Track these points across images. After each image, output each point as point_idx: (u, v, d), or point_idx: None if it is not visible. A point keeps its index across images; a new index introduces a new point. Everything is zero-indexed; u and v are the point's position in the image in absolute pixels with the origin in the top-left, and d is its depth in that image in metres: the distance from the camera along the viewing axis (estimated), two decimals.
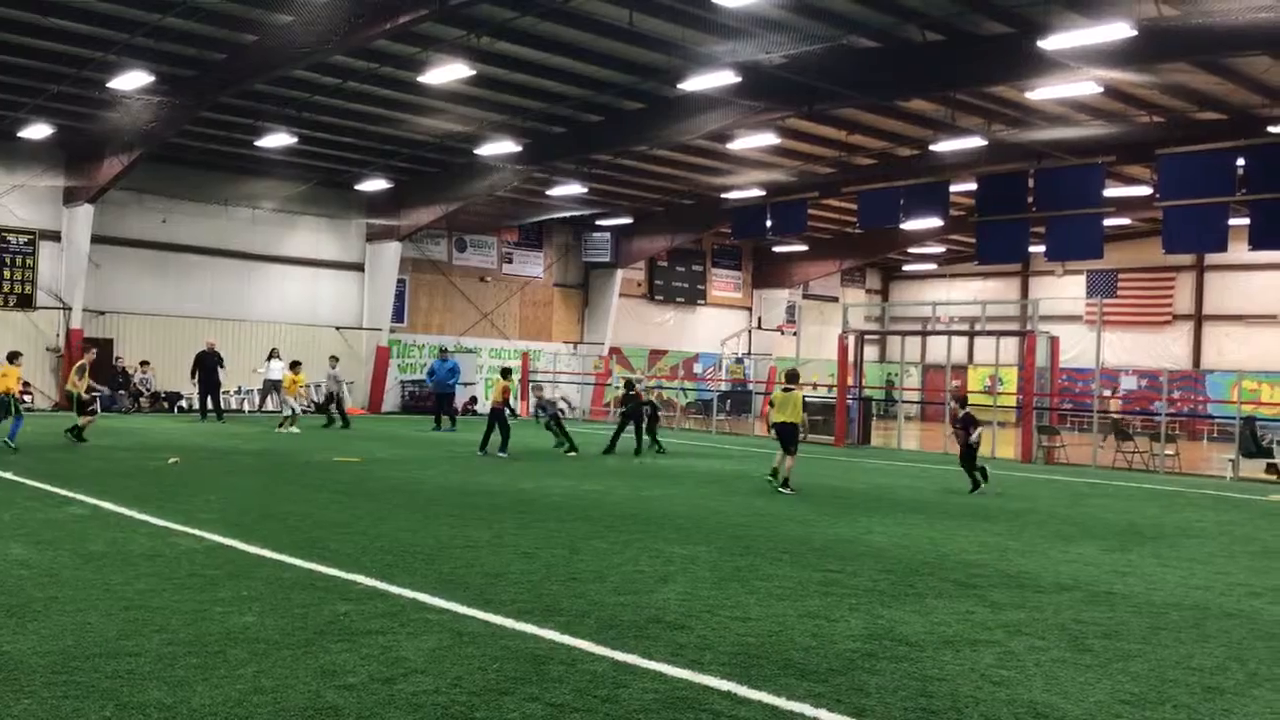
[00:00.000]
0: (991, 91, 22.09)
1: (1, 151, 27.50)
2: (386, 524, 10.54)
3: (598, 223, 37.58)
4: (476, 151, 27.25)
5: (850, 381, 27.63)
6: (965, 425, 15.97)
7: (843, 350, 27.75)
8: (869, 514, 12.81)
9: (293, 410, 24.80)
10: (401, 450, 19.79)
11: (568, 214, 35.57)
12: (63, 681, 5.04)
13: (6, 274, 28.33)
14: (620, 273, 39.15)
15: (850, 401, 27.31)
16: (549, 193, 32.13)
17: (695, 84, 20.20)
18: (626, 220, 37.01)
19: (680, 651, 6.10)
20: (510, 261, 38.14)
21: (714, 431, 30.73)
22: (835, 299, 46.34)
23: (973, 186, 27.43)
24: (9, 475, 13.10)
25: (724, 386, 40.20)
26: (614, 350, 38.73)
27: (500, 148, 26.48)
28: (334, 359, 28.37)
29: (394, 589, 7.41)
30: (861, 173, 29.64)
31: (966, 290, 45.26)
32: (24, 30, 20.31)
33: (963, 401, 17.20)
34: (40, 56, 21.82)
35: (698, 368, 41.21)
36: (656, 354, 40.13)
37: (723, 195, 33.02)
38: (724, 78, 19.51)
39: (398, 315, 34.81)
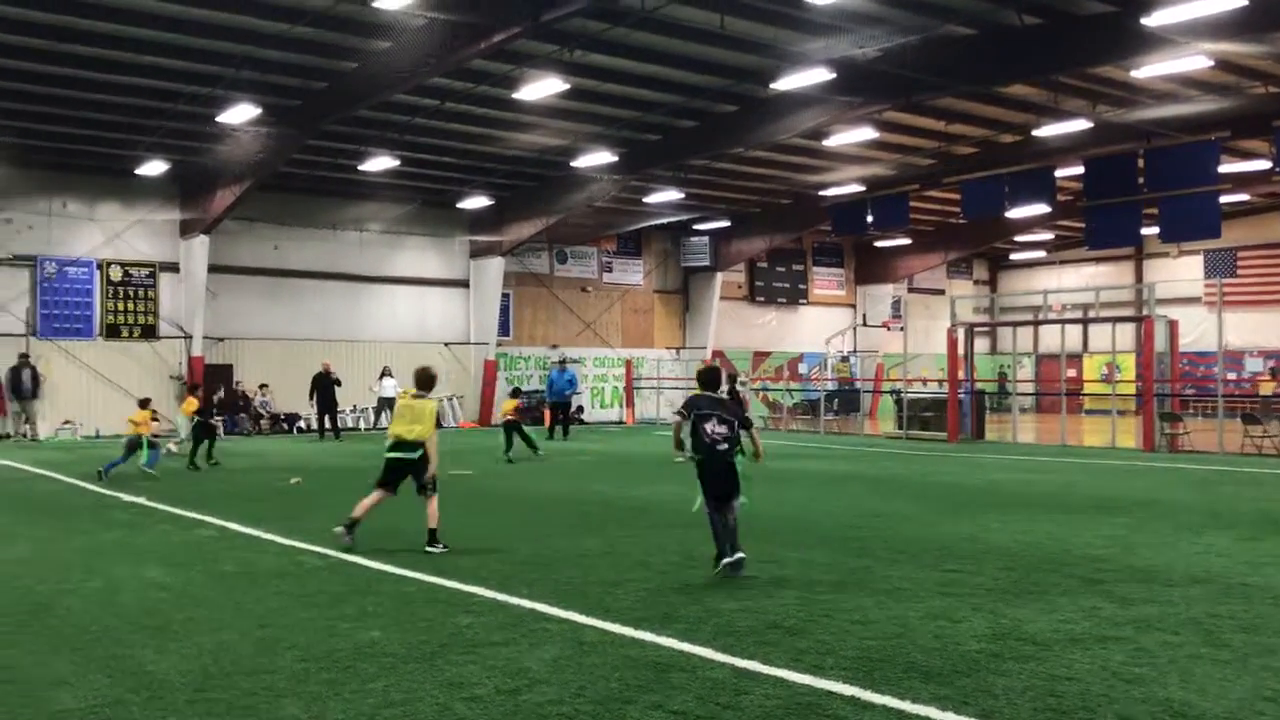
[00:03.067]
0: (1095, 72, 21.48)
1: (121, 189, 28.69)
2: (501, 535, 10.70)
3: (696, 227, 37.57)
4: (573, 164, 27.51)
5: (961, 375, 27.12)
6: None
7: (952, 344, 27.26)
8: (986, 510, 12.56)
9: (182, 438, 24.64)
10: (514, 463, 20.03)
11: (666, 220, 35.67)
12: (204, 699, 5.24)
13: (130, 306, 29.51)
14: (720, 276, 39.06)
15: (962, 396, 26.80)
16: (646, 200, 32.26)
17: (789, 83, 20.09)
18: (725, 223, 36.93)
19: (800, 657, 6.06)
20: (610, 270, 38.38)
21: (822, 432, 30.44)
22: (941, 292, 45.50)
23: (1080, 170, 26.70)
24: (142, 500, 13.64)
25: (830, 386, 39.80)
26: (717, 354, 38.66)
27: (597, 159, 26.68)
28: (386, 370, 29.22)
29: (513, 600, 7.51)
30: (963, 162, 29.09)
31: (1078, 276, 44.03)
32: (137, 72, 21.16)
33: None
34: (153, 96, 22.73)
35: (803, 368, 40.91)
36: (760, 356, 39.95)
37: (821, 192, 32.71)
38: (818, 75, 19.35)
39: (503, 329, 35.30)
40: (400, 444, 10.03)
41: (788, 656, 6.06)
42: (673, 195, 31.37)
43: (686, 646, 6.27)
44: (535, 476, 17.08)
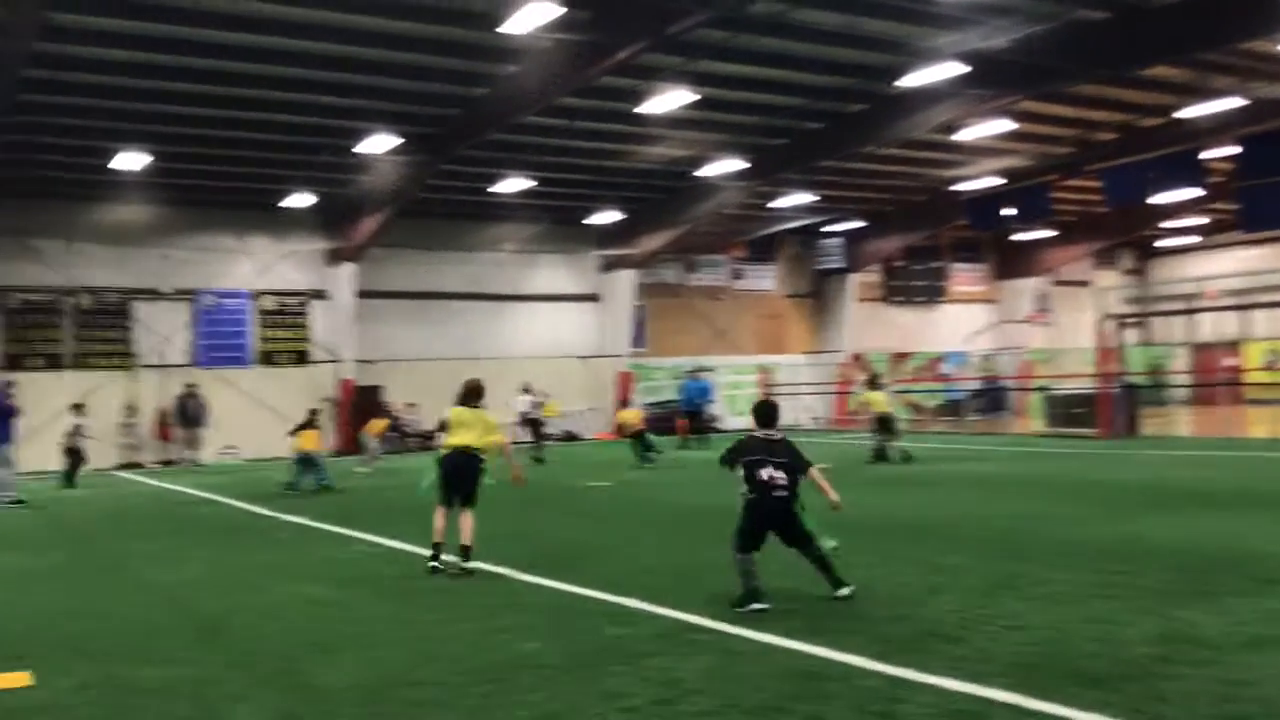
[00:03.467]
0: (1244, 47, 20.50)
1: (272, 222, 29.96)
2: (645, 546, 10.78)
3: (827, 229, 37.19)
4: (701, 173, 27.60)
5: (1112, 369, 26.15)
6: None
7: (1101, 337, 26.31)
8: (1147, 509, 12.08)
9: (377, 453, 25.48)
10: (649, 473, 20.16)
11: (796, 224, 35.42)
12: (370, 713, 5.42)
13: (284, 333, 30.77)
14: (854, 277, 38.59)
15: (1113, 390, 25.84)
16: (775, 205, 32.11)
17: (918, 79, 19.78)
18: (857, 224, 36.47)
19: (957, 664, 5.94)
20: (741, 277, 38.29)
21: (967, 433, 29.74)
22: (1087, 283, 44.01)
23: (1232, 150, 25.50)
24: (304, 520, 14.18)
25: (974, 385, 38.83)
26: (854, 357, 38.15)
27: (724, 166, 26.70)
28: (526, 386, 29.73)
29: (663, 610, 7.56)
30: (1104, 149, 28.07)
31: (1233, 261, 41.94)
32: (283, 109, 22.11)
33: None
34: (298, 131, 23.71)
35: (944, 367, 40.03)
36: (899, 357, 39.26)
37: (956, 187, 32.02)
38: (949, 69, 19.00)
39: (636, 340, 35.55)
40: (463, 451, 9.67)
41: (944, 664, 5.95)
42: (803, 198, 31.14)
43: (838, 655, 6.21)
44: (674, 487, 17.14)
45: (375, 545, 11.49)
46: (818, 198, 31.57)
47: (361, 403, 29.59)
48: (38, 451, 24.08)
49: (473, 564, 9.42)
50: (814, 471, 7.84)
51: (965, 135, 25.31)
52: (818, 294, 39.77)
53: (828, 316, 39.58)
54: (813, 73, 21.69)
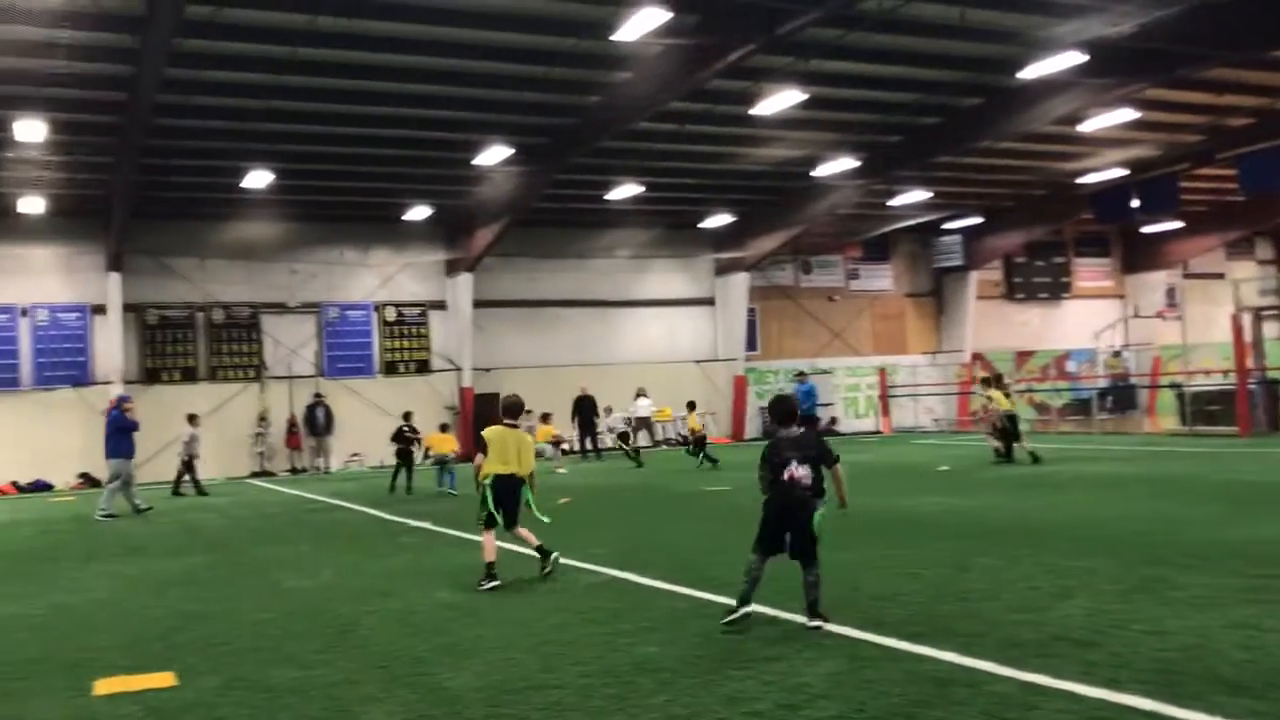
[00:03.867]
0: None
1: (392, 235, 30.73)
2: None
3: (945, 226, 36.49)
4: (814, 173, 27.37)
5: (1250, 364, 25.05)
6: None
7: (1237, 330, 25.24)
8: None
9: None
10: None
11: (913, 222, 34.84)
12: (498, 714, 5.50)
13: (406, 343, 31.53)
14: (974, 275, 37.76)
15: (1252, 386, 24.75)
16: (891, 203, 31.66)
17: (1037, 70, 19.28)
18: (976, 220, 35.70)
19: (1092, 670, 5.75)
20: (857, 277, 37.83)
21: (1096, 433, 28.82)
22: (1221, 275, 42.20)
23: None
24: (427, 525, 14.50)
25: (1102, 383, 37.60)
26: (975, 356, 37.32)
27: (838, 166, 26.43)
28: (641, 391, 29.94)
29: (783, 614, 7.50)
30: (1238, 135, 26.95)
31: None
32: (402, 124, 22.66)
33: None
34: (417, 146, 24.28)
35: (1070, 365, 38.85)
36: (1023, 355, 38.27)
37: (1080, 180, 31.10)
38: (1069, 59, 18.47)
39: (750, 344, 35.40)
40: (509, 478, 9.57)
41: (1078, 669, 5.77)
42: (919, 195, 30.64)
43: (968, 660, 6.07)
44: None
45: (497, 550, 11.64)
46: (934, 194, 31.01)
47: (481, 410, 30.03)
48: (173, 462, 25.09)
49: (554, 554, 9.73)
50: (838, 468, 7.44)
51: (1088, 126, 24.57)
52: (936, 293, 39.05)
53: (947, 315, 38.82)
54: (927, 67, 21.34)
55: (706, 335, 35.23)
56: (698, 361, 34.70)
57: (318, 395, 29.46)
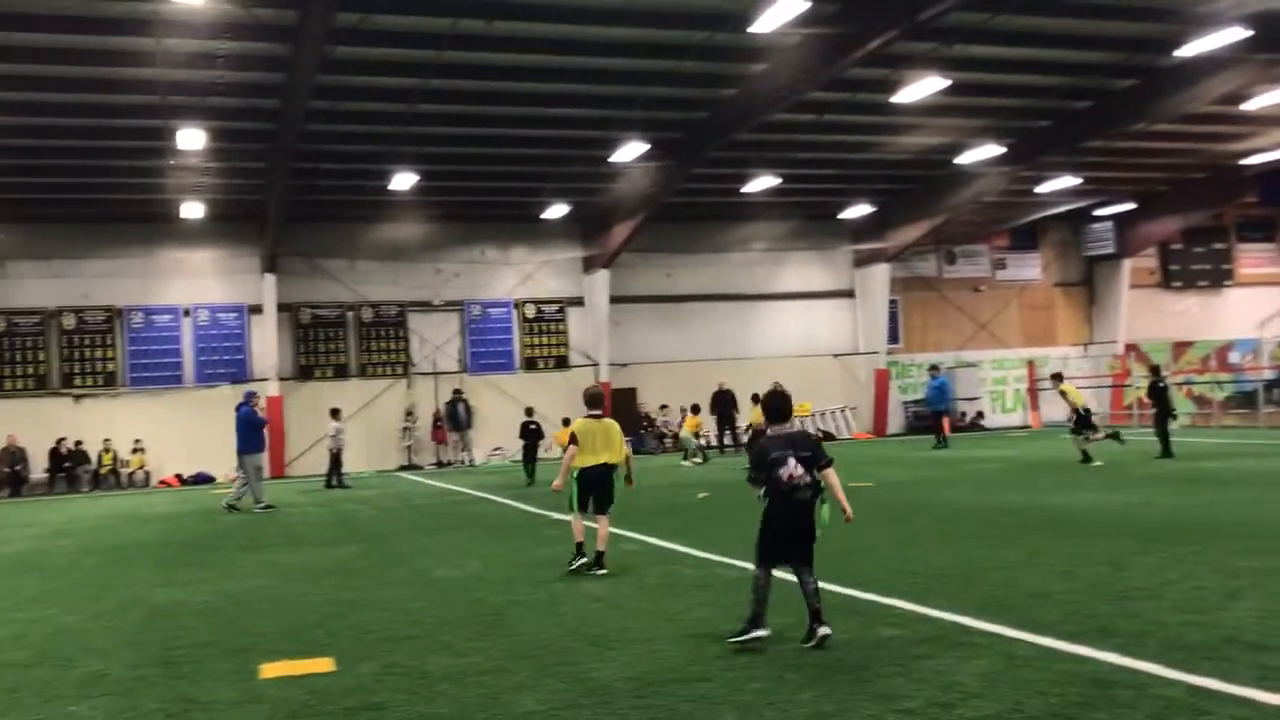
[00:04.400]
0: None
1: (531, 233, 31.23)
2: (912, 547, 10.50)
3: (1096, 213, 35.15)
4: (957, 161, 26.73)
5: None
6: None
7: None
8: None
9: (696, 448, 26.18)
10: (911, 472, 19.66)
11: (1062, 209, 33.68)
12: (646, 704, 5.53)
13: (544, 339, 32.00)
14: (1127, 262, 36.28)
15: None
16: (1039, 190, 30.67)
17: (1197, 47, 18.42)
18: (1129, 206, 34.29)
19: (1269, 675, 5.45)
20: (1004, 267, 36.78)
21: (1262, 426, 27.37)
22: None
23: None
24: (569, 518, 14.65)
25: (1268, 375, 35.66)
26: (1129, 347, 35.88)
27: (982, 153, 25.76)
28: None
29: (934, 612, 7.34)
30: None
31: None
32: (542, 124, 23.00)
33: None
34: (555, 145, 24.61)
35: (1233, 356, 36.99)
36: (1181, 346, 36.61)
37: (1244, 161, 29.57)
38: (1231, 34, 17.59)
39: (892, 336, 34.77)
40: (601, 466, 9.81)
41: (1252, 674, 5.48)
42: (1069, 181, 29.60)
43: (1129, 662, 5.83)
44: (939, 486, 16.65)
45: (640, 543, 11.73)
46: (1084, 180, 29.91)
47: (618, 405, 30.25)
48: (324, 455, 25.99)
49: (605, 571, 9.66)
50: (830, 472, 6.87)
51: (1252, 105, 23.34)
52: (1088, 282, 37.66)
53: (1099, 305, 37.41)
54: (1077, 49, 20.62)
55: (846, 328, 34.74)
56: (836, 355, 34.26)
57: (457, 391, 30.19)
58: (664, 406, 32.20)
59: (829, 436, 33.39)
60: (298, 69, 18.27)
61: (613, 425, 10.06)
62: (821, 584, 8.53)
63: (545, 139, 24.24)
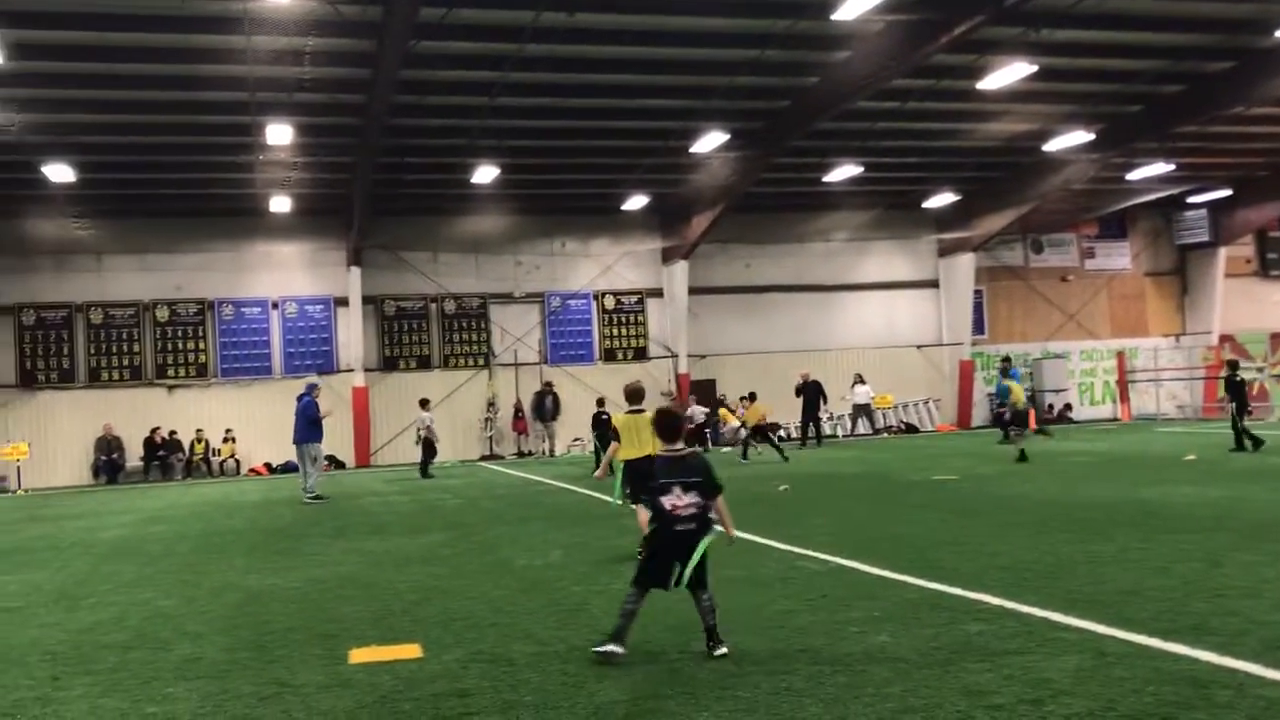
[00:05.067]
0: None
1: (611, 225, 31.33)
2: (999, 541, 10.32)
3: (1190, 200, 34.18)
4: (1045, 148, 26.17)
5: None
6: None
7: None
8: None
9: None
10: (996, 465, 19.32)
11: (1153, 196, 32.80)
12: (731, 696, 5.52)
13: (623, 331, 32.08)
14: (1223, 251, 35.25)
15: None
16: (1129, 177, 29.90)
17: None
18: (1224, 192, 33.29)
19: None
20: (1092, 256, 35.97)
21: None
22: None
23: None
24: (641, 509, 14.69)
25: None
26: (1224, 338, 34.84)
27: (1071, 139, 25.19)
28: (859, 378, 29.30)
29: (1022, 608, 7.20)
30: None
31: None
32: (622, 116, 23.04)
33: None
34: (635, 136, 24.63)
35: None
36: (1278, 338, 35.46)
37: None
38: None
39: (977, 327, 34.22)
40: (636, 460, 10.11)
41: None
42: (1160, 168, 28.81)
43: (1228, 661, 5.66)
44: (1025, 480, 16.35)
45: (717, 534, 11.69)
46: (1177, 166, 29.08)
47: (697, 396, 30.26)
48: (410, 445, 26.46)
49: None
50: (720, 501, 6.57)
51: None
52: (1180, 271, 36.67)
53: (1192, 295, 36.41)
54: (1170, 32, 20.06)
55: (929, 319, 34.27)
56: (920, 346, 33.82)
57: (548, 384, 30.47)
58: (743, 398, 32.08)
59: (911, 429, 32.99)
60: (382, 64, 18.54)
61: (646, 420, 10.24)
62: (906, 577, 8.49)
63: (626, 130, 24.28)
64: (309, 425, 19.11)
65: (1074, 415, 34.53)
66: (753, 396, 26.27)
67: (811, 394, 28.10)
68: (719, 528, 6.59)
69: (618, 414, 10.61)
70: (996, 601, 7.44)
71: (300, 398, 19.42)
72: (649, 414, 10.10)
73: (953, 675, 5.67)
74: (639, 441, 10.10)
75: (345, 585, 9.66)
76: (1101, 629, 6.50)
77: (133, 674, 6.61)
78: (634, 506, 9.95)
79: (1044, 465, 18.74)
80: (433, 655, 6.68)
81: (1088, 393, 35.55)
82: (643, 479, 9.74)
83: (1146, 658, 5.85)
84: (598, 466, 21.09)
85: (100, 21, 17.61)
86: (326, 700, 5.83)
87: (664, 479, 6.40)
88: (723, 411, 28.70)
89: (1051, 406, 34.38)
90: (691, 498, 6.36)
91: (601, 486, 18.36)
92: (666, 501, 6.34)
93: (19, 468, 27.34)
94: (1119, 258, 36.19)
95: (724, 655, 6.28)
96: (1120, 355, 34.57)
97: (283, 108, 21.00)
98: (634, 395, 10.66)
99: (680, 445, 6.61)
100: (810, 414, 28.29)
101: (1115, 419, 34.11)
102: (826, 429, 32.04)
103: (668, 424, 6.66)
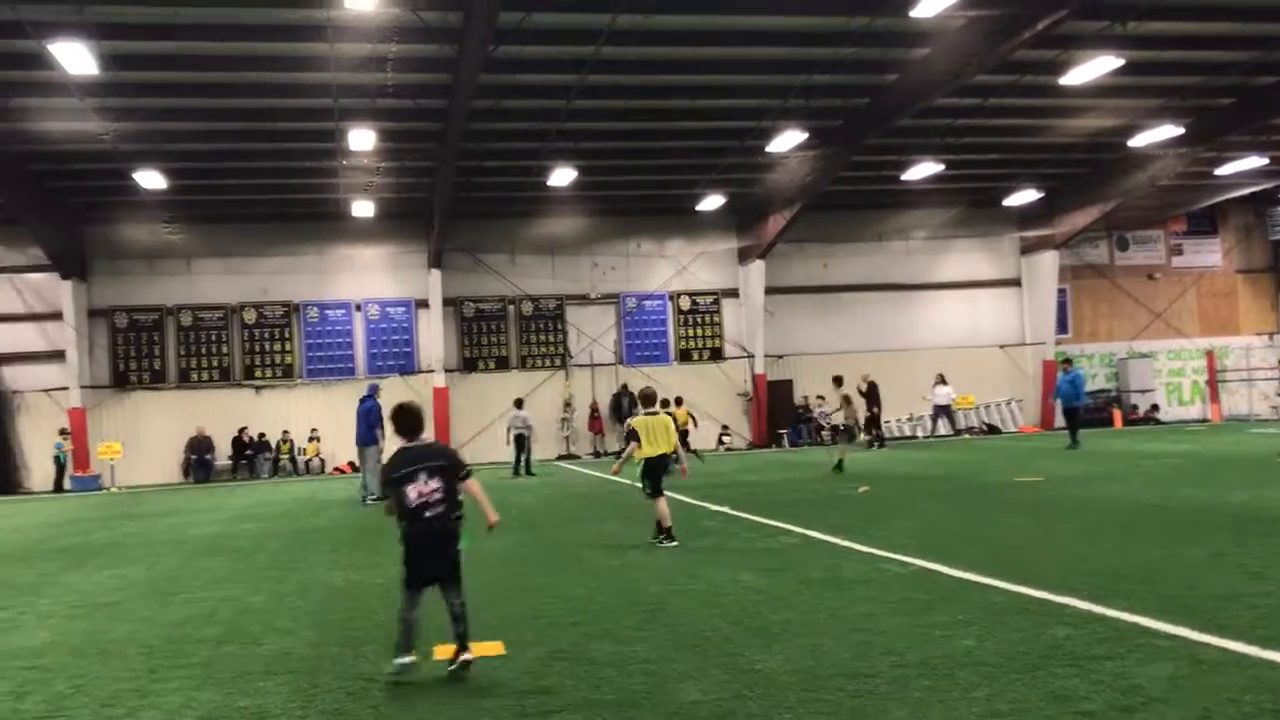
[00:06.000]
0: None
1: (687, 225, 31.33)
2: (1086, 544, 10.11)
3: None
4: (1131, 143, 25.58)
5: None
6: None
7: None
8: None
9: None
10: (1082, 466, 18.92)
11: (1245, 191, 31.88)
12: (813, 698, 5.48)
13: (698, 331, 32.06)
14: None
15: None
16: (1219, 172, 29.11)
17: None
18: None
19: None
20: (1180, 253, 35.06)
21: None
22: None
23: None
24: (727, 509, 14.69)
25: None
26: None
27: (1158, 134, 24.59)
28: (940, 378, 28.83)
29: (1110, 612, 7.05)
30: None
31: None
32: (697, 116, 23.02)
33: None
34: (711, 137, 24.60)
35: None
36: None
37: None
38: None
39: (1061, 326, 33.56)
40: (660, 456, 11.46)
41: None
42: (1253, 162, 28.01)
43: None
44: (1113, 481, 15.98)
45: (801, 536, 11.65)
46: (1271, 160, 28.24)
47: (774, 397, 30.15)
48: (488, 445, 26.75)
49: (674, 543, 11.23)
50: (472, 483, 6.54)
51: None
52: (1274, 268, 35.58)
53: None
54: (1264, 21, 19.49)
55: (1012, 318, 33.70)
56: (1002, 346, 33.27)
57: (624, 386, 30.58)
58: (821, 398, 31.87)
59: (993, 430, 32.47)
60: (462, 69, 18.76)
61: (667, 420, 11.68)
62: (991, 580, 8.35)
63: (702, 130, 24.26)
64: (371, 429, 19.23)
65: (1161, 416, 33.70)
66: (678, 401, 25.25)
67: (873, 396, 27.78)
68: (464, 544, 6.48)
69: (637, 417, 11.67)
70: (1084, 606, 7.29)
71: (363, 400, 19.53)
72: (664, 416, 11.69)
73: (1040, 680, 5.57)
74: (655, 441, 11.39)
75: None
76: (1195, 635, 6.34)
77: (225, 668, 6.78)
78: (650, 500, 11.54)
79: (1130, 467, 18.31)
80: (515, 653, 6.75)
81: (1175, 393, 34.67)
82: (659, 475, 11.40)
83: (1244, 666, 5.69)
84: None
85: (189, 32, 18.08)
86: (413, 696, 5.92)
87: (407, 468, 6.29)
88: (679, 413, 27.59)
89: (1136, 407, 33.59)
90: (436, 483, 6.28)
91: (680, 487, 18.38)
92: (412, 490, 6.24)
93: (113, 466, 28.19)
94: (1209, 254, 35.22)
95: (468, 664, 6.23)
96: (1210, 354, 33.64)
97: (365, 113, 21.36)
98: (648, 399, 11.80)
99: (421, 439, 6.54)
100: (871, 415, 27.95)
101: (1205, 420, 33.20)
102: (906, 429, 31.72)
103: (405, 420, 6.56)
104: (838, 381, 21.38)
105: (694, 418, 25.09)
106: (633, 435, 11.49)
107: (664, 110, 22.77)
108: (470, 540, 6.52)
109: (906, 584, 8.55)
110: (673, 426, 11.66)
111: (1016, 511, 13.02)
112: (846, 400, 20.81)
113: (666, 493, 11.88)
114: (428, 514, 6.27)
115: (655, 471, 11.48)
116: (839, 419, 22.04)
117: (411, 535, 6.31)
